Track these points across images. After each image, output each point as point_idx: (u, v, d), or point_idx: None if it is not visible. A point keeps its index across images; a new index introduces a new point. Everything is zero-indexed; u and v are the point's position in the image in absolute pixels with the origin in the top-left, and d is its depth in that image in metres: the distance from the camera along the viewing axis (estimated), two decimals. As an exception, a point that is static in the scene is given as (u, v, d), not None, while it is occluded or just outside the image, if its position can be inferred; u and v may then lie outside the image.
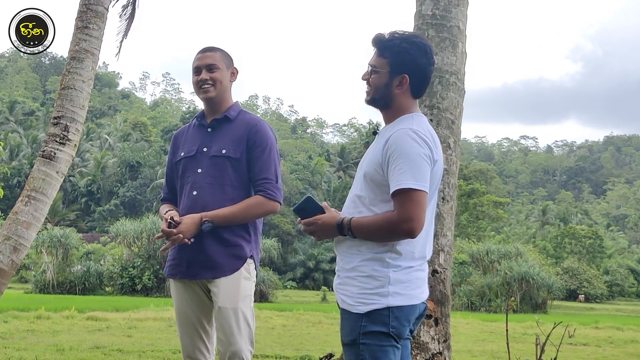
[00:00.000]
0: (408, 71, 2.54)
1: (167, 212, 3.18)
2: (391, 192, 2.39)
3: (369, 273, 2.43)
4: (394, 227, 2.37)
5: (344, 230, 2.46)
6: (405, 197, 2.36)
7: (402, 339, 2.47)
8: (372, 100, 2.61)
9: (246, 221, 3.19)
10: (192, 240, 3.12)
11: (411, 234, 2.37)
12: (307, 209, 2.56)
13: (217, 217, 3.09)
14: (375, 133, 2.65)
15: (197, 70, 3.23)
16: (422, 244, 2.51)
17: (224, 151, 3.18)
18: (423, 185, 2.37)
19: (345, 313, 2.49)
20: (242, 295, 3.15)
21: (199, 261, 3.14)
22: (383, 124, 2.71)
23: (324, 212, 2.53)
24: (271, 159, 3.21)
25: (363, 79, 2.62)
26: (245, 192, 3.20)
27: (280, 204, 3.26)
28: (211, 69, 3.20)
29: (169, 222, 3.07)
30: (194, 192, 3.17)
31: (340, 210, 2.63)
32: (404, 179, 2.36)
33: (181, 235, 3.05)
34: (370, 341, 2.41)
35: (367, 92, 2.62)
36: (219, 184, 3.16)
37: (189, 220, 3.07)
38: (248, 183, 3.21)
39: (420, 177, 2.37)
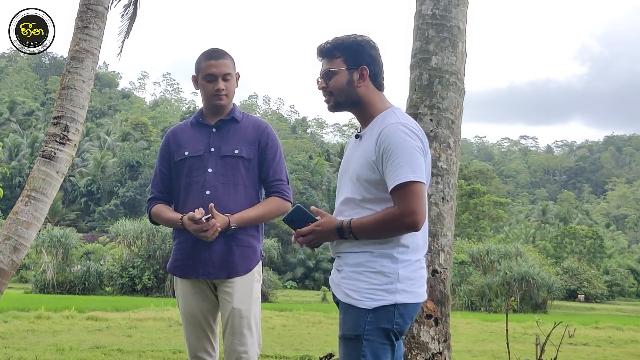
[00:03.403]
0: (365, 62, 2.52)
1: (182, 212, 3.13)
2: (391, 187, 2.37)
3: (378, 269, 2.42)
4: (397, 222, 2.36)
5: (345, 232, 2.44)
6: (406, 190, 2.35)
7: (402, 336, 2.48)
8: (337, 105, 2.57)
9: (265, 222, 3.26)
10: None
11: (415, 226, 2.37)
12: (297, 219, 2.51)
13: (242, 221, 3.12)
14: (358, 136, 2.60)
15: (212, 78, 3.18)
16: (423, 236, 2.52)
17: (236, 151, 3.19)
18: (421, 177, 2.37)
19: (348, 308, 2.46)
20: (254, 297, 3.20)
21: (213, 261, 3.13)
22: None
23: (315, 220, 2.50)
24: (282, 160, 3.29)
25: (320, 88, 2.56)
26: (255, 192, 3.25)
27: (292, 204, 3.29)
28: (227, 78, 3.20)
29: (206, 217, 3.02)
30: (207, 192, 3.16)
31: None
32: (402, 172, 2.35)
33: (219, 226, 3.02)
34: (373, 337, 2.41)
35: (327, 100, 2.57)
36: (232, 184, 3.18)
37: (221, 220, 3.06)
38: (258, 183, 3.26)
39: (417, 169, 2.37)
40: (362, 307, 2.42)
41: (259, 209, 3.18)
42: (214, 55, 3.20)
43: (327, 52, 2.55)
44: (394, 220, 2.36)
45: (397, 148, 2.37)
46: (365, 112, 2.55)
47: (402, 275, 2.42)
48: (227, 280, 3.15)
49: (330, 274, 2.66)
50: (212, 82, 3.18)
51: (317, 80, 2.57)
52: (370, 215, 2.43)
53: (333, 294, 2.59)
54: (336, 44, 2.53)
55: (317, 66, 2.62)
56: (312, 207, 2.57)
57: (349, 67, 2.51)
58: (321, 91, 2.57)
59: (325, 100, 2.57)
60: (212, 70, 3.17)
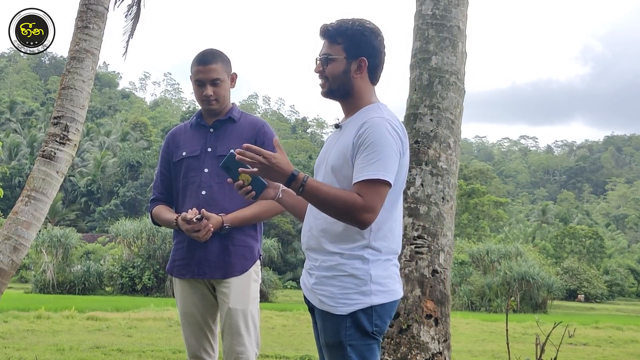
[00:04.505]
0: (365, 54, 2.46)
1: (181, 212, 3.14)
2: (360, 179, 2.29)
3: (350, 272, 2.36)
4: (354, 210, 2.27)
5: (296, 183, 2.30)
6: (373, 187, 2.29)
7: (382, 335, 2.43)
8: (330, 92, 2.50)
9: (260, 222, 3.25)
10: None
11: (366, 224, 2.30)
12: (232, 167, 2.40)
13: (236, 220, 3.12)
14: (338, 126, 2.55)
15: (200, 83, 3.19)
16: (397, 238, 2.47)
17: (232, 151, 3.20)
18: (391, 179, 2.32)
19: (325, 315, 2.40)
20: (252, 297, 3.19)
21: (209, 260, 3.14)
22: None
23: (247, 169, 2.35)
24: None
25: (316, 71, 2.50)
26: None
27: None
28: (215, 83, 3.18)
29: (197, 217, 3.03)
30: (203, 192, 3.17)
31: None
32: (376, 168, 2.29)
33: (211, 226, 3.04)
34: (357, 342, 2.36)
35: (322, 84, 2.51)
36: (228, 184, 3.18)
37: (214, 220, 3.07)
38: None
39: (390, 170, 2.32)
40: (338, 313, 2.36)
41: (255, 208, 3.15)
42: (202, 60, 3.19)
43: (330, 35, 2.48)
44: (352, 207, 2.27)
45: (377, 143, 2.32)
46: (352, 103, 2.50)
47: (374, 275, 2.36)
48: (224, 280, 3.15)
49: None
50: (201, 87, 3.19)
51: (316, 61, 2.51)
52: (332, 187, 2.34)
53: (305, 298, 2.54)
54: (340, 30, 2.46)
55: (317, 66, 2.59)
56: (275, 139, 2.47)
57: (348, 57, 2.45)
58: (317, 74, 2.51)
59: (320, 84, 2.52)
60: (200, 76, 3.18)
